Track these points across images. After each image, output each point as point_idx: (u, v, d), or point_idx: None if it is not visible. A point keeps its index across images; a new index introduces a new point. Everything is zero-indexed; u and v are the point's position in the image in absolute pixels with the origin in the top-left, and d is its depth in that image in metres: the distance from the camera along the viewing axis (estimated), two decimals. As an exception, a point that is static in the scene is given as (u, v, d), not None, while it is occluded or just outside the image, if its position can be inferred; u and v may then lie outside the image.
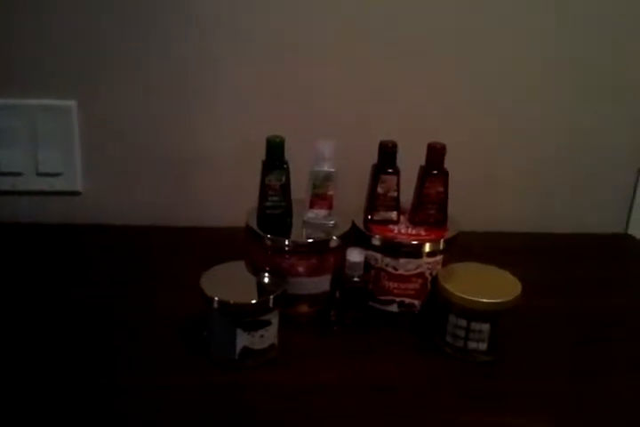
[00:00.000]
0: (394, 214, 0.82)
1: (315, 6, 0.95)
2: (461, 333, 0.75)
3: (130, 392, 0.69)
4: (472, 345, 0.75)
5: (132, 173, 1.03)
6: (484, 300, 0.73)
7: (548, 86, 1.01)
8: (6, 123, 0.98)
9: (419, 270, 0.79)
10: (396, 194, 0.81)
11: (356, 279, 0.78)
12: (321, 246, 0.79)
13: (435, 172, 0.81)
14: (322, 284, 0.80)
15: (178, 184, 1.03)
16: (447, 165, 0.81)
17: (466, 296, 0.73)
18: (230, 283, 0.74)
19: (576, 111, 1.03)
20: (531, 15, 0.97)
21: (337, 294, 0.79)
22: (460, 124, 1.00)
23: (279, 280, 0.75)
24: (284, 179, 0.80)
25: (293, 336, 0.76)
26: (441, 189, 0.81)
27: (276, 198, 0.81)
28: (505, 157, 1.04)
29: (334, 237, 0.79)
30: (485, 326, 0.74)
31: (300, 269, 0.79)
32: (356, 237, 0.81)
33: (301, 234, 0.81)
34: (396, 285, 0.79)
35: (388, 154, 0.80)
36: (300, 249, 0.79)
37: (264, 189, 0.81)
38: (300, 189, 0.81)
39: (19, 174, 1.00)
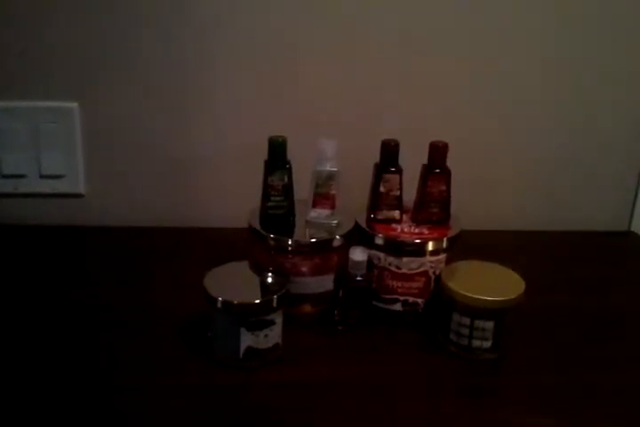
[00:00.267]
0: (396, 213, 0.82)
1: (315, 6, 0.95)
2: (465, 331, 0.75)
3: (133, 392, 0.69)
4: (476, 343, 0.75)
5: (135, 175, 1.03)
6: (488, 298, 0.73)
7: (549, 86, 1.01)
8: (8, 125, 0.98)
9: (422, 269, 0.79)
10: (398, 193, 0.81)
11: (359, 278, 0.78)
12: (324, 246, 0.79)
13: (437, 170, 0.81)
14: (325, 283, 0.80)
15: (180, 185, 1.03)
16: (448, 163, 0.81)
17: (470, 294, 0.73)
18: (234, 283, 0.75)
19: (576, 109, 1.03)
20: (531, 15, 0.97)
21: (340, 294, 0.79)
22: (462, 123, 1.00)
23: (282, 280, 0.75)
24: (286, 179, 0.80)
25: (297, 336, 0.76)
26: (443, 188, 0.81)
27: (278, 198, 0.81)
28: (506, 156, 1.04)
29: (337, 237, 0.79)
30: (489, 324, 0.74)
31: (304, 268, 0.79)
32: (358, 236, 0.81)
33: (304, 234, 0.81)
34: (399, 283, 0.79)
35: (390, 153, 0.80)
36: (302, 249, 0.79)
37: (267, 189, 0.81)
38: (302, 189, 0.82)
39: (22, 177, 1.01)
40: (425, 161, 0.82)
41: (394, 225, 0.81)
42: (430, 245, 0.79)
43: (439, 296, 0.78)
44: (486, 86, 1.00)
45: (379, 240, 0.79)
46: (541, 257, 0.98)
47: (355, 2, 0.95)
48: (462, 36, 0.98)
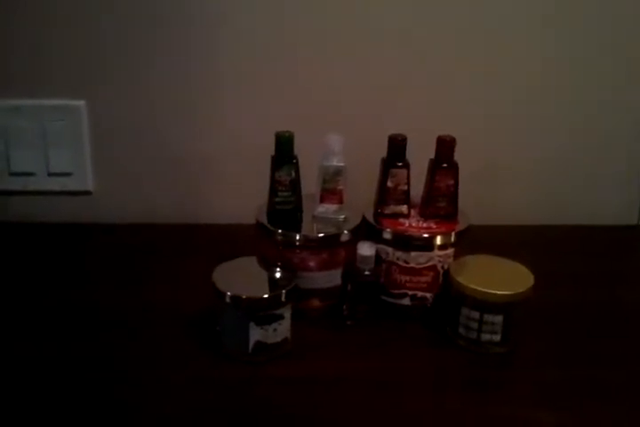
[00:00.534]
0: (404, 208, 0.82)
1: (319, 2, 0.95)
2: (474, 325, 0.74)
3: (142, 386, 0.69)
4: (485, 337, 0.74)
5: (142, 172, 1.03)
6: (498, 292, 0.73)
7: (555, 80, 1.00)
8: (16, 123, 0.99)
9: (430, 263, 0.79)
10: (406, 187, 0.81)
11: (367, 273, 0.78)
12: (332, 241, 0.79)
13: (445, 165, 0.80)
14: (333, 278, 0.80)
15: (188, 182, 1.03)
16: (455, 158, 0.81)
17: (479, 288, 0.73)
18: (242, 278, 0.75)
19: (585, 101, 1.02)
20: (532, 12, 0.97)
21: (348, 288, 0.79)
22: (469, 118, 1.00)
23: (290, 275, 0.75)
24: (293, 174, 0.80)
25: (306, 331, 0.76)
26: (451, 182, 0.81)
27: (286, 194, 0.81)
28: (514, 149, 1.03)
29: (345, 232, 0.79)
30: (498, 318, 0.73)
31: (312, 263, 0.79)
32: (366, 231, 0.81)
33: (312, 229, 0.81)
34: (407, 278, 0.79)
35: (397, 147, 0.80)
36: (310, 244, 0.79)
37: (274, 185, 0.81)
38: (309, 185, 0.82)
39: (30, 175, 1.01)
40: (432, 156, 0.81)
41: (401, 220, 0.81)
42: (438, 240, 0.79)
43: (448, 291, 0.78)
44: (495, 80, 1.00)
45: (386, 235, 0.79)
46: (549, 251, 0.97)
47: (360, -2, 0.96)
48: (466, 33, 0.97)
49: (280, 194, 0.81)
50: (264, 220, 0.81)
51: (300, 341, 0.75)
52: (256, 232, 0.82)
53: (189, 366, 0.72)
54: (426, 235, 0.79)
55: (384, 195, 0.82)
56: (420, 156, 0.81)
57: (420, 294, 0.80)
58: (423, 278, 0.79)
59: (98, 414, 0.65)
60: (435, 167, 0.81)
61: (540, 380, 0.72)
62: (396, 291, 0.80)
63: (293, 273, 0.76)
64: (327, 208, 0.82)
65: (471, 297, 0.74)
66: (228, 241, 0.92)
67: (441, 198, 0.81)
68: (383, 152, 0.82)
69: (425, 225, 0.80)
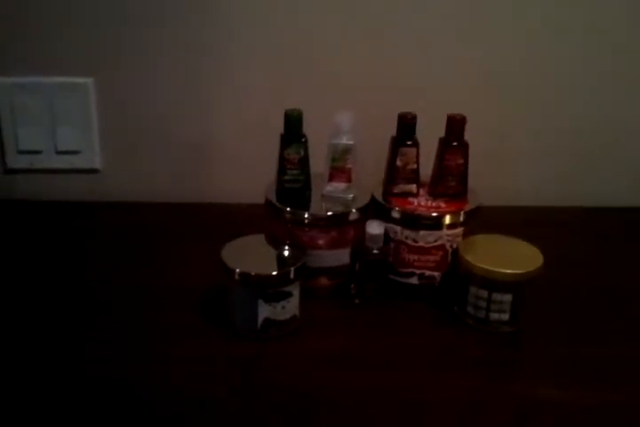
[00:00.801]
0: (413, 187, 0.82)
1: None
2: (483, 304, 0.74)
3: (154, 363, 0.69)
4: (494, 316, 0.74)
5: (150, 150, 1.03)
6: (507, 270, 0.73)
7: (566, 55, 0.99)
8: (24, 101, 0.98)
9: (439, 242, 0.79)
10: (415, 166, 0.81)
11: (375, 252, 0.78)
12: (340, 219, 0.79)
13: (455, 143, 0.80)
14: (342, 257, 0.80)
15: (196, 160, 1.03)
16: (466, 137, 0.80)
17: (488, 267, 0.73)
18: (251, 255, 0.75)
19: (598, 83, 1.01)
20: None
21: (357, 267, 0.79)
22: (480, 97, 0.99)
23: (299, 253, 0.75)
24: (302, 152, 0.80)
25: (314, 308, 0.76)
26: (461, 161, 0.80)
27: (295, 172, 0.81)
28: (525, 129, 1.03)
29: (353, 210, 0.79)
30: (507, 297, 0.73)
31: (320, 242, 0.79)
32: (375, 209, 0.81)
33: (321, 207, 0.81)
34: (416, 257, 0.79)
35: (407, 126, 0.80)
36: (319, 222, 0.79)
37: (283, 163, 0.80)
38: (318, 163, 0.81)
39: (38, 152, 1.01)
40: (442, 135, 0.81)
41: (410, 199, 0.81)
42: (447, 219, 0.78)
43: (456, 270, 0.78)
44: (504, 57, 0.99)
45: (395, 214, 0.79)
46: (559, 233, 0.97)
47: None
48: (477, 9, 0.96)
49: (289, 172, 0.81)
50: (273, 198, 0.81)
51: (308, 318, 0.75)
52: (265, 210, 0.81)
53: (199, 342, 0.73)
54: (435, 214, 0.78)
55: (393, 174, 0.81)
56: (429, 135, 0.80)
57: (428, 273, 0.80)
58: (431, 257, 0.79)
59: (109, 390, 0.66)
60: (444, 146, 0.80)
61: (548, 359, 0.72)
62: (404, 270, 0.80)
63: (302, 251, 0.76)
64: (336, 187, 0.81)
65: (480, 276, 0.74)
66: (235, 220, 0.92)
67: (450, 177, 0.81)
68: (392, 130, 0.81)
69: (434, 204, 0.80)
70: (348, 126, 0.79)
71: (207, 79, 0.99)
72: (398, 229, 0.79)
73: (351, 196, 0.81)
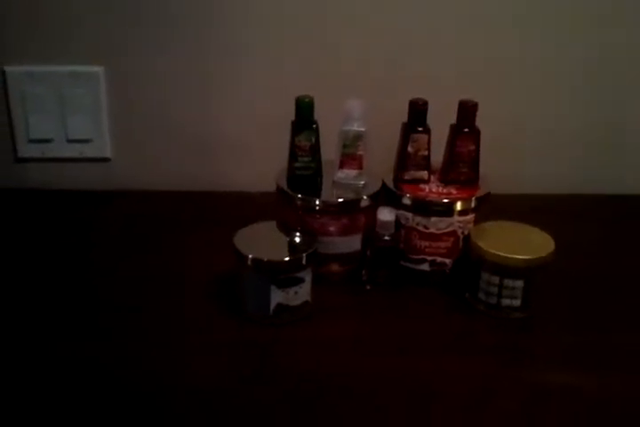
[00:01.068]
0: (424, 173, 0.82)
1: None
2: (494, 290, 0.74)
3: (168, 349, 0.70)
4: (505, 302, 0.75)
5: (161, 139, 1.03)
6: (518, 256, 0.73)
7: (581, 41, 0.99)
8: (34, 90, 0.98)
9: (450, 229, 0.79)
10: (426, 153, 0.81)
11: (386, 238, 0.78)
12: (352, 206, 0.79)
13: (466, 130, 0.80)
14: (353, 243, 0.80)
15: (206, 148, 1.03)
16: (477, 124, 0.80)
17: (500, 253, 0.73)
18: (263, 242, 0.75)
19: (603, 68, 1.00)
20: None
21: (368, 253, 0.79)
22: (492, 83, 0.98)
23: (311, 239, 0.75)
24: (313, 139, 0.80)
25: (326, 295, 0.77)
26: (472, 148, 0.80)
27: (306, 159, 0.81)
28: (537, 116, 1.02)
29: (365, 197, 0.79)
30: (519, 283, 0.74)
31: (332, 228, 0.79)
32: (386, 196, 0.81)
33: (332, 194, 0.81)
34: (427, 243, 0.79)
35: (418, 112, 0.80)
36: (330, 209, 0.79)
37: (294, 150, 0.80)
38: (329, 150, 0.81)
39: (49, 141, 1.01)
40: (453, 121, 0.81)
41: (422, 185, 0.81)
42: (459, 205, 0.78)
43: (467, 256, 0.78)
44: (516, 42, 0.98)
45: (406, 200, 0.79)
46: (572, 220, 0.96)
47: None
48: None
49: (300, 159, 0.81)
50: (284, 185, 0.81)
51: (320, 304, 0.75)
52: (276, 197, 0.82)
53: (212, 328, 0.73)
54: (446, 200, 0.78)
55: (404, 160, 0.81)
56: (441, 121, 0.80)
57: (439, 259, 0.80)
58: (443, 244, 0.79)
59: (125, 377, 0.66)
60: (456, 132, 0.80)
61: (559, 345, 0.72)
62: (415, 256, 0.80)
63: (313, 237, 0.76)
64: (347, 174, 0.81)
65: (491, 262, 0.74)
66: (247, 208, 0.92)
67: (462, 164, 0.81)
68: (404, 117, 0.81)
69: (445, 191, 0.80)
70: (360, 113, 0.79)
71: (219, 67, 0.99)
72: (409, 215, 0.79)
73: (362, 182, 0.81)
